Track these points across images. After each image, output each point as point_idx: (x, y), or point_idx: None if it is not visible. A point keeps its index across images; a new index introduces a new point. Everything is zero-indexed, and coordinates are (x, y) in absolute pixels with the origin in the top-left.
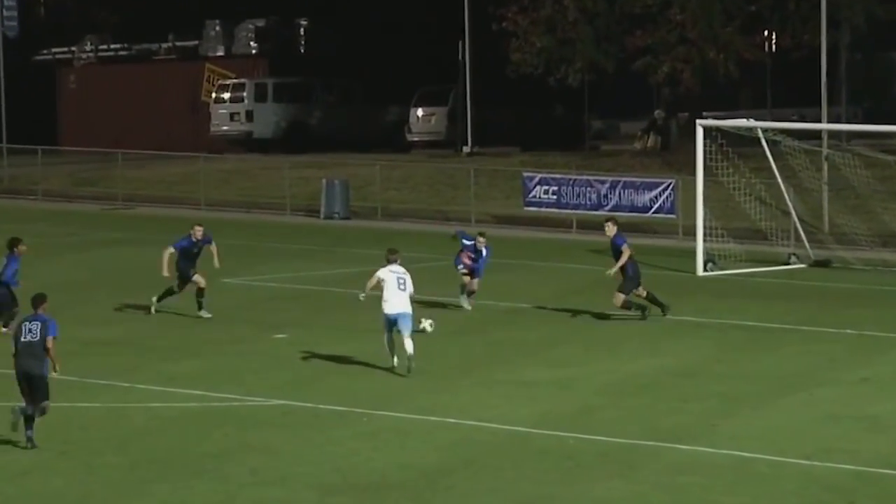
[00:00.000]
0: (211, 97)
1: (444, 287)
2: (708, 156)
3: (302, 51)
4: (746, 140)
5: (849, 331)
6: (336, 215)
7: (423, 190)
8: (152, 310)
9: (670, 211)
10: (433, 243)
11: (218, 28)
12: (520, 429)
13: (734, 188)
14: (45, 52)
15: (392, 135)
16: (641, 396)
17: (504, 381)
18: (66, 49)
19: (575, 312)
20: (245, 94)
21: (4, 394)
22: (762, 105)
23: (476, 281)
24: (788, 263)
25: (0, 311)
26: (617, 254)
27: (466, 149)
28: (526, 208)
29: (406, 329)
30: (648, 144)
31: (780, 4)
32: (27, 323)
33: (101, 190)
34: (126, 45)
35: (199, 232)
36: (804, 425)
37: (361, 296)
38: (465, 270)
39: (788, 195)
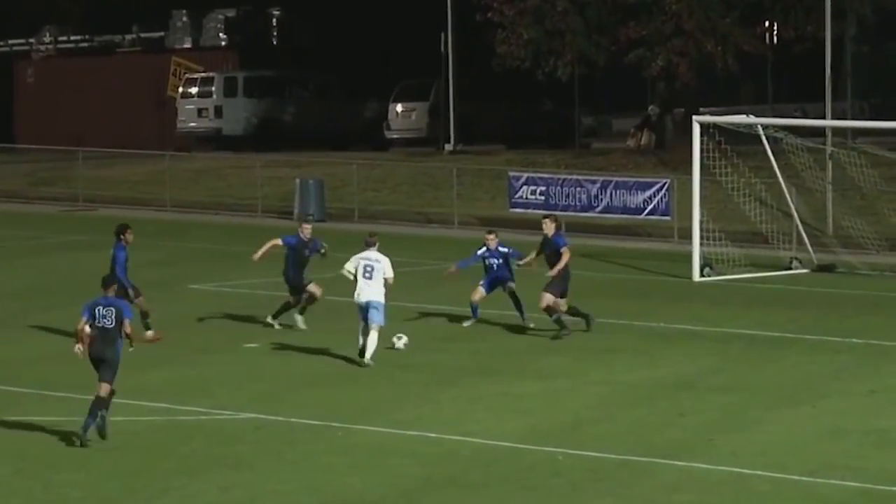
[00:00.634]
0: (177, 92)
1: (426, 293)
2: (705, 154)
3: (274, 42)
4: (746, 137)
5: (855, 340)
6: (311, 217)
7: (402, 190)
8: (276, 325)
9: (665, 212)
10: (414, 246)
11: (185, 19)
12: (506, 444)
13: (733, 188)
14: (0, 43)
15: (370, 132)
16: (635, 409)
17: (490, 394)
18: (23, 41)
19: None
20: (214, 88)
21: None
22: (763, 100)
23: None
24: (790, 268)
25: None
26: (555, 254)
27: (449, 146)
28: (512, 210)
29: (372, 320)
30: (642, 142)
31: None
32: (101, 308)
33: (60, 190)
34: (87, 37)
35: (307, 230)
36: (807, 440)
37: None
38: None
39: (790, 196)
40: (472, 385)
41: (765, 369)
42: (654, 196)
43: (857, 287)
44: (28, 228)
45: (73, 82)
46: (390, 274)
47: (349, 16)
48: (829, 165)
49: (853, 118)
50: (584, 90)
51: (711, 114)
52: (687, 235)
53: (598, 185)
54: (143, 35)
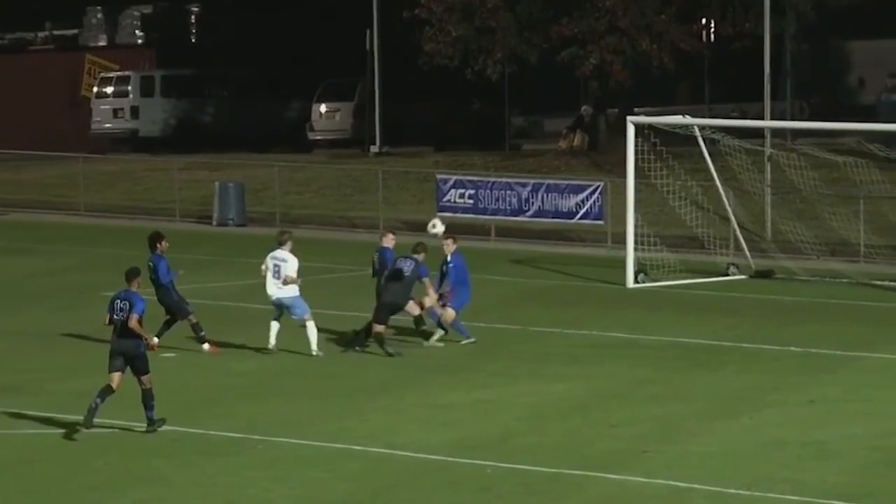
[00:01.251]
0: (92, 91)
1: (351, 300)
2: (640, 156)
3: (193, 40)
4: (682, 139)
5: (794, 348)
6: (230, 222)
7: (326, 194)
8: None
9: (598, 216)
10: (338, 252)
11: (100, 15)
12: (434, 457)
13: (668, 191)
14: None
15: (293, 133)
16: (567, 421)
17: (417, 405)
18: None
19: (494, 329)
20: (130, 87)
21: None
22: (700, 100)
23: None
24: (727, 274)
25: (174, 317)
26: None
27: (374, 148)
28: (440, 214)
29: (295, 315)
30: (574, 143)
31: None
32: (118, 301)
33: None
34: None
35: (390, 239)
36: (745, 452)
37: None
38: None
39: (728, 199)
40: (398, 396)
41: (701, 379)
42: (587, 199)
43: (796, 293)
44: None
45: None
46: (290, 274)
47: (271, 12)
48: (768, 167)
49: (793, 118)
50: (515, 89)
51: (646, 114)
52: (621, 240)
53: (528, 188)
54: (56, 32)
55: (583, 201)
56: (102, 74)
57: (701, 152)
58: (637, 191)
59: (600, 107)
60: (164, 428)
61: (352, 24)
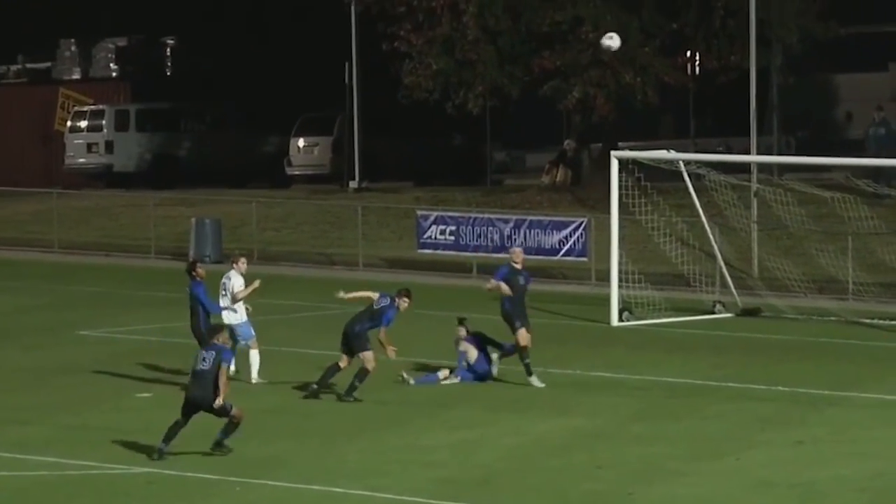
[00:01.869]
0: (66, 126)
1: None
2: (624, 191)
3: (169, 73)
4: (667, 174)
5: (781, 388)
6: (207, 258)
7: (304, 230)
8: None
9: (581, 253)
10: (316, 289)
11: (73, 48)
12: (416, 499)
13: (653, 228)
14: None
15: (271, 168)
16: (550, 461)
17: (397, 446)
18: None
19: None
20: (104, 122)
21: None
22: (685, 134)
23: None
24: (713, 312)
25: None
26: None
27: (353, 184)
28: (420, 251)
29: (240, 340)
30: (557, 178)
31: (704, 22)
32: (202, 352)
33: None
34: None
35: (519, 255)
36: (732, 493)
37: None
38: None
39: (713, 235)
40: (378, 436)
41: (687, 419)
42: (571, 236)
43: (783, 332)
44: None
45: None
46: (236, 290)
47: (248, 45)
48: (755, 203)
49: (779, 153)
50: (497, 123)
51: (630, 148)
52: (605, 277)
53: (511, 224)
54: (28, 65)
55: (566, 238)
56: (76, 108)
57: (686, 188)
58: (621, 227)
59: (583, 141)
60: (140, 469)
61: (331, 57)
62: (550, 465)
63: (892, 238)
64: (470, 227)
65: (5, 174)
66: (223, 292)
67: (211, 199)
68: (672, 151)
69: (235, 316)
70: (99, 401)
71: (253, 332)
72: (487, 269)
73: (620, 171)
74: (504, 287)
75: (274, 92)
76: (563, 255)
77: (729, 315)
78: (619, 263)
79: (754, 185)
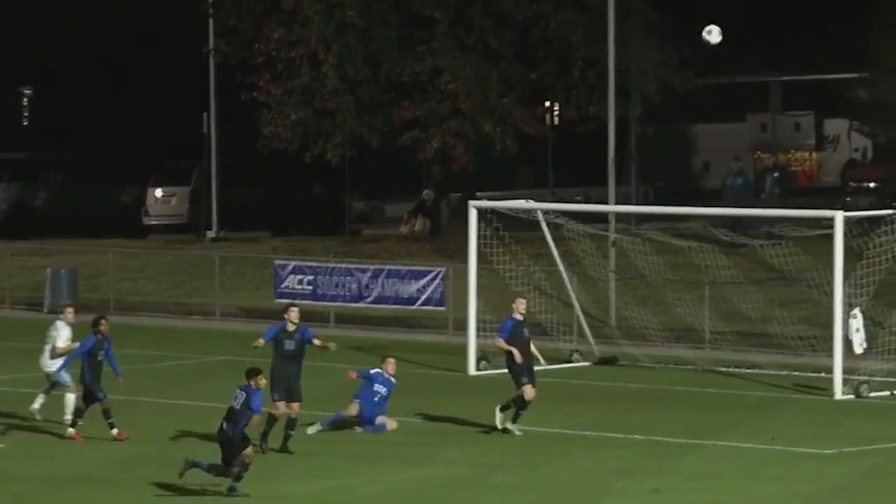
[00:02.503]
0: None
1: (186, 388)
2: (482, 241)
3: (25, 123)
4: (525, 223)
5: (637, 436)
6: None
7: (162, 280)
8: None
9: (439, 303)
10: (174, 339)
11: None
12: None
13: (511, 277)
14: None
15: (128, 218)
16: None
17: (256, 496)
18: None
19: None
20: None
21: None
22: (543, 184)
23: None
24: (571, 361)
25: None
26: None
27: (211, 233)
28: (278, 300)
29: (61, 382)
30: (416, 228)
31: (563, 73)
32: (238, 389)
33: None
34: None
35: (522, 304)
36: None
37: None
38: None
39: (571, 285)
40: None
41: (544, 467)
42: (429, 285)
43: (640, 381)
44: None
45: None
46: (58, 344)
47: (106, 95)
48: (613, 253)
49: (638, 203)
50: (356, 173)
51: (489, 198)
52: (462, 327)
53: (369, 273)
54: None
55: (424, 287)
56: None
57: (544, 237)
58: (479, 276)
59: (442, 191)
60: None
61: (189, 106)
62: None
63: (749, 287)
64: (328, 277)
65: None
66: (47, 341)
67: (67, 249)
68: (530, 201)
69: (54, 363)
70: None
71: (70, 379)
72: (345, 319)
73: (479, 220)
74: (506, 346)
75: (132, 142)
76: (421, 304)
77: (586, 364)
78: (477, 312)
79: (612, 235)
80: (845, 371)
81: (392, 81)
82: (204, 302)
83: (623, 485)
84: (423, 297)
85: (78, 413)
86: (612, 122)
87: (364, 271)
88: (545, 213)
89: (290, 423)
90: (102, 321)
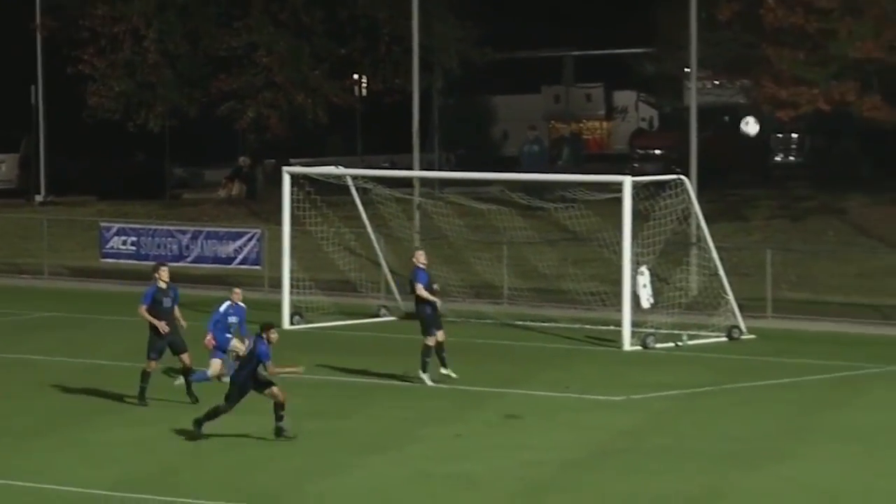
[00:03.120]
0: None
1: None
2: (295, 204)
3: None
4: (336, 188)
5: (442, 385)
6: None
7: None
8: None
9: (255, 262)
10: (4, 297)
11: None
12: (98, 491)
13: (323, 238)
14: None
15: None
16: (227, 456)
17: (82, 442)
18: None
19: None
20: None
21: None
22: (353, 152)
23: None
24: (378, 316)
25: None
26: None
27: (39, 198)
28: (103, 260)
29: None
30: (233, 192)
31: (371, 48)
32: (254, 336)
33: None
34: None
35: (422, 256)
36: (395, 485)
37: None
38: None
39: (379, 245)
40: (64, 434)
41: (351, 415)
42: (245, 246)
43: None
44: None
45: None
46: None
47: None
48: (417, 215)
49: (440, 169)
50: (176, 141)
51: (302, 165)
52: (277, 284)
53: (188, 235)
54: None
55: (241, 247)
56: None
57: (354, 201)
58: (293, 237)
59: (258, 158)
60: None
61: (17, 79)
62: (227, 460)
63: (544, 247)
64: (150, 238)
65: None
66: None
67: None
68: (340, 167)
69: None
70: None
71: None
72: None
73: (292, 185)
74: (428, 295)
75: None
76: (238, 263)
77: (393, 319)
78: (291, 271)
79: (417, 199)
80: (633, 324)
81: (210, 55)
82: (32, 262)
83: (428, 431)
84: (240, 256)
85: None
86: (417, 94)
87: (184, 233)
88: (354, 178)
89: (187, 372)
90: None
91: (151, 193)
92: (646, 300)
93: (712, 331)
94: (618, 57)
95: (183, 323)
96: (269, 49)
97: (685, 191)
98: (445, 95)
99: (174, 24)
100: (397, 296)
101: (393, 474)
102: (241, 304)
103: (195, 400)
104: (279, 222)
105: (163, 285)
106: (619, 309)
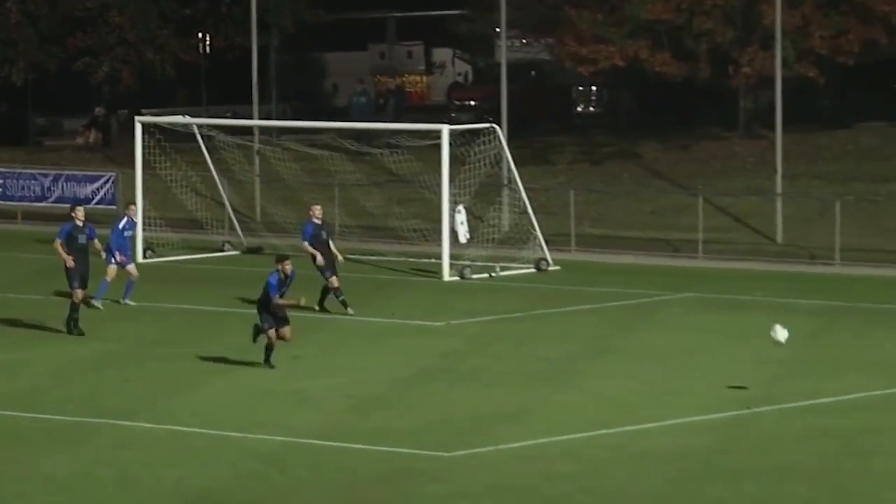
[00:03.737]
0: None
1: None
2: (147, 150)
3: None
4: (183, 136)
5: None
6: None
7: None
8: None
9: (111, 202)
10: None
11: None
12: None
13: (172, 181)
14: None
15: None
16: (86, 378)
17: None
18: None
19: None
20: None
21: None
22: (198, 103)
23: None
24: (223, 250)
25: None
26: None
27: None
28: None
29: None
30: (90, 140)
31: (213, 9)
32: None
33: None
34: None
35: (318, 210)
36: (239, 401)
37: None
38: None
39: (223, 187)
40: None
41: (203, 340)
42: (102, 188)
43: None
44: None
45: None
46: None
47: None
48: (257, 160)
49: (278, 118)
50: (38, 93)
51: (152, 115)
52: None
53: (50, 178)
54: None
55: (97, 189)
56: None
57: (200, 147)
58: (145, 180)
59: (112, 108)
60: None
61: None
62: (86, 381)
63: (372, 188)
64: (15, 181)
65: None
66: None
67: None
68: (187, 117)
69: None
70: None
71: None
72: (31, 215)
73: (143, 133)
74: (311, 250)
75: None
76: (96, 203)
77: (236, 253)
78: (143, 210)
79: (256, 145)
80: (452, 257)
81: (67, 15)
82: None
83: (280, 353)
84: (97, 197)
85: None
86: (255, 51)
87: (46, 176)
88: (200, 127)
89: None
90: None
91: (16, 141)
92: (463, 236)
93: (522, 263)
94: (436, 18)
95: (102, 254)
96: (121, 10)
97: (497, 138)
98: (281, 52)
99: None
100: (240, 232)
101: (237, 392)
102: (135, 220)
103: (80, 333)
104: (132, 167)
105: (79, 223)
106: (439, 244)
